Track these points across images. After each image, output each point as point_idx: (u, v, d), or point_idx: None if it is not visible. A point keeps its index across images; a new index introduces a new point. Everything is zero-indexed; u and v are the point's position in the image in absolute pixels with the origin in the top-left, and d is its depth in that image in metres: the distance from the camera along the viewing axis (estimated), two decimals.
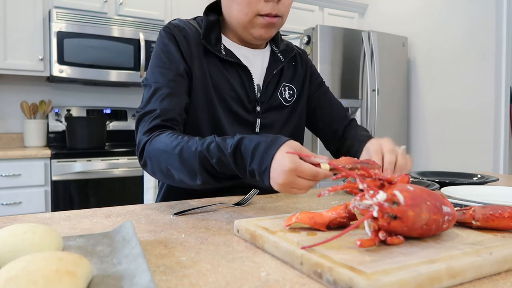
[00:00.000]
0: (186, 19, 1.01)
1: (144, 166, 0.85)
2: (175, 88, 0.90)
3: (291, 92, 1.06)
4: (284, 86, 1.05)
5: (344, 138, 1.09)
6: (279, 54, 1.05)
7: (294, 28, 3.26)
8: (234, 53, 0.98)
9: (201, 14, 1.02)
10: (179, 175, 0.78)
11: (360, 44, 2.93)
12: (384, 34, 3.03)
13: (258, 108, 1.00)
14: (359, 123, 2.95)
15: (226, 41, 1.00)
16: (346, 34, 2.89)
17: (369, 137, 0.99)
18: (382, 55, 2.99)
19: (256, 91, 1.00)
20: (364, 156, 0.84)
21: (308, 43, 2.86)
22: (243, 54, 1.00)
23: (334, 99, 1.15)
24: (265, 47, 1.06)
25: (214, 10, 1.01)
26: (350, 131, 1.09)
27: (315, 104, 1.12)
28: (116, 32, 2.60)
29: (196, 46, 0.94)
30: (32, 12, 2.47)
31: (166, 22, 2.80)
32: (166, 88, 0.89)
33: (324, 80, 1.18)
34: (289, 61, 1.08)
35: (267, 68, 1.02)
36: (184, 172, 0.76)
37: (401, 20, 3.30)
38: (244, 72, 0.98)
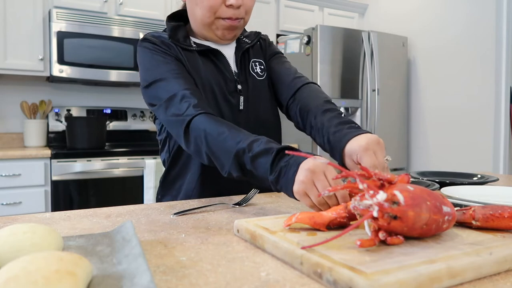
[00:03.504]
0: (159, 31, 1.06)
1: (190, 146, 0.85)
2: (183, 74, 0.94)
3: (262, 67, 1.09)
4: (254, 61, 1.08)
5: (297, 102, 1.03)
6: (244, 39, 1.09)
7: (294, 28, 3.25)
8: (204, 44, 1.02)
9: None
10: (215, 160, 0.81)
11: (360, 44, 2.93)
12: (384, 34, 3.03)
13: (239, 87, 1.03)
14: (359, 123, 2.97)
15: (194, 40, 1.04)
16: (346, 34, 2.89)
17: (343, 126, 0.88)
18: (382, 55, 2.99)
19: (233, 72, 1.03)
20: (351, 161, 0.81)
21: (308, 43, 2.86)
22: (212, 46, 1.03)
23: (285, 64, 1.12)
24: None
25: (177, 19, 1.06)
26: (306, 97, 1.01)
27: (268, 70, 1.12)
28: (116, 32, 2.60)
29: (174, 47, 0.99)
30: (32, 12, 2.47)
31: None
32: (177, 75, 0.92)
33: (301, 66, 1.18)
34: (255, 43, 1.11)
35: (235, 52, 1.06)
36: (219, 158, 0.79)
37: (401, 20, 3.30)
38: (218, 57, 1.02)
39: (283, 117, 1.13)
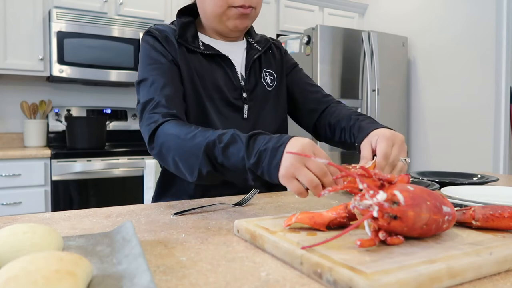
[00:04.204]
0: (165, 24, 1.04)
1: (155, 151, 0.84)
2: (171, 79, 0.93)
3: (272, 77, 1.08)
4: (265, 71, 1.07)
5: (327, 117, 1.05)
6: (255, 44, 1.08)
7: (294, 28, 3.25)
8: (213, 46, 1.00)
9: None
10: (183, 164, 0.77)
11: (360, 44, 2.93)
12: (384, 34, 3.03)
13: (245, 95, 1.02)
14: None
15: (203, 38, 1.03)
16: (346, 34, 2.89)
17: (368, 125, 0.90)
18: (382, 55, 2.99)
19: (240, 79, 1.02)
20: (367, 149, 0.81)
21: (308, 43, 2.86)
22: (222, 47, 1.02)
23: (307, 79, 1.15)
24: (242, 40, 1.08)
25: (187, 13, 1.04)
26: (336, 111, 1.04)
27: (288, 83, 1.13)
28: (116, 32, 2.60)
29: (178, 45, 0.97)
30: (32, 12, 2.47)
31: (166, 22, 2.80)
32: (163, 78, 0.91)
33: (301, 67, 1.18)
34: (266, 50, 1.10)
35: (246, 57, 1.04)
36: (188, 160, 0.75)
37: (401, 20, 3.30)
38: (225, 62, 1.01)
39: (290, 126, 1.14)
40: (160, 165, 1.08)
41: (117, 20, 2.62)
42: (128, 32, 2.64)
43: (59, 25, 2.45)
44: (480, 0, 2.68)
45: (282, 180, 0.64)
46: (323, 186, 0.63)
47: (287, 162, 0.63)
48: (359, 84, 2.94)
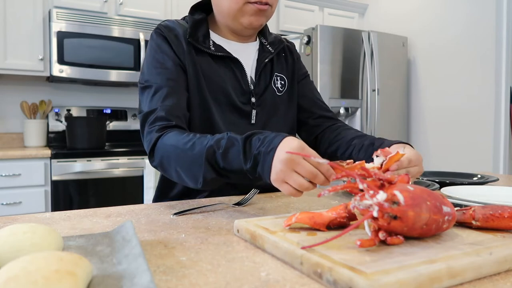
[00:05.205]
0: (176, 19, 1.01)
1: (155, 163, 0.85)
2: (174, 87, 0.91)
3: (283, 82, 1.06)
4: (277, 76, 1.05)
5: (332, 133, 1.05)
6: (268, 46, 1.05)
7: (294, 28, 3.25)
8: (224, 47, 0.98)
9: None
10: (186, 173, 0.77)
11: (360, 44, 2.93)
12: (384, 34, 3.03)
13: (253, 100, 1.00)
14: (359, 123, 2.97)
15: (215, 37, 1.01)
16: (346, 34, 2.89)
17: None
18: (382, 55, 2.99)
19: (249, 83, 1.00)
20: (393, 149, 0.80)
21: (308, 43, 2.86)
22: (233, 48, 1.00)
23: (317, 93, 1.15)
24: (254, 40, 1.07)
25: (200, 9, 1.02)
26: (344, 130, 1.04)
27: (298, 93, 1.12)
28: (116, 32, 2.60)
29: (187, 44, 0.95)
30: (32, 12, 2.47)
31: None
32: (166, 87, 0.90)
33: (309, 73, 1.18)
34: (279, 52, 1.08)
35: (257, 59, 1.02)
36: (190, 169, 0.76)
37: (401, 20, 3.30)
38: (235, 65, 0.99)
39: None
40: None
41: (117, 20, 2.62)
42: (128, 32, 2.63)
43: (59, 25, 2.45)
44: (480, 0, 2.68)
45: (274, 184, 0.66)
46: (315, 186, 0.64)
47: (276, 168, 0.64)
48: (359, 84, 2.94)
